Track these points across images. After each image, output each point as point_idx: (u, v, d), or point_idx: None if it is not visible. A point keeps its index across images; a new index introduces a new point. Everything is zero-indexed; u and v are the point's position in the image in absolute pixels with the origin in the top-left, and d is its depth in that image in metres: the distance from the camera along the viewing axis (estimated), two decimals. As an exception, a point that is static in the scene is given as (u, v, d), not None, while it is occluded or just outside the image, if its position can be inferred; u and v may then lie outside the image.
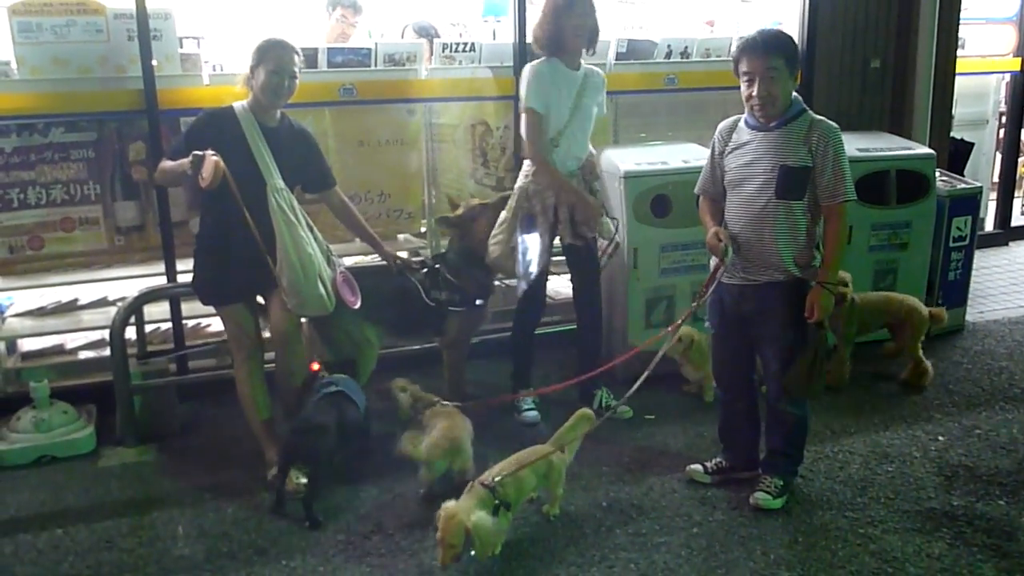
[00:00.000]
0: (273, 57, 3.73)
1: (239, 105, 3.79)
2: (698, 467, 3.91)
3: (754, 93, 3.42)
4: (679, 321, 3.88)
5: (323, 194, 4.17)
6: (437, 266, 4.41)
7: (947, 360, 5.22)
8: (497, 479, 3.27)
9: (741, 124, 3.58)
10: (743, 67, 3.44)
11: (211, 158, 3.53)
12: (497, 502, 3.22)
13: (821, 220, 3.52)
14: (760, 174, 3.48)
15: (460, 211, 4.42)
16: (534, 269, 4.29)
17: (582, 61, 4.27)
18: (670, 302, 4.90)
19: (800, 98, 3.51)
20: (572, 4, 4.08)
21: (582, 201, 4.21)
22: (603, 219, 4.39)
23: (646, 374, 3.65)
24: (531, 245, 4.30)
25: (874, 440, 4.26)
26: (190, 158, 3.58)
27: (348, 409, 3.76)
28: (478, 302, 4.39)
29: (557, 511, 3.59)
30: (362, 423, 3.87)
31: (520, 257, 4.31)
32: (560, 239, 4.31)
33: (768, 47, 3.40)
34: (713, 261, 3.68)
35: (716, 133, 3.69)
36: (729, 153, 3.59)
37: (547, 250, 4.26)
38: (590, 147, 4.42)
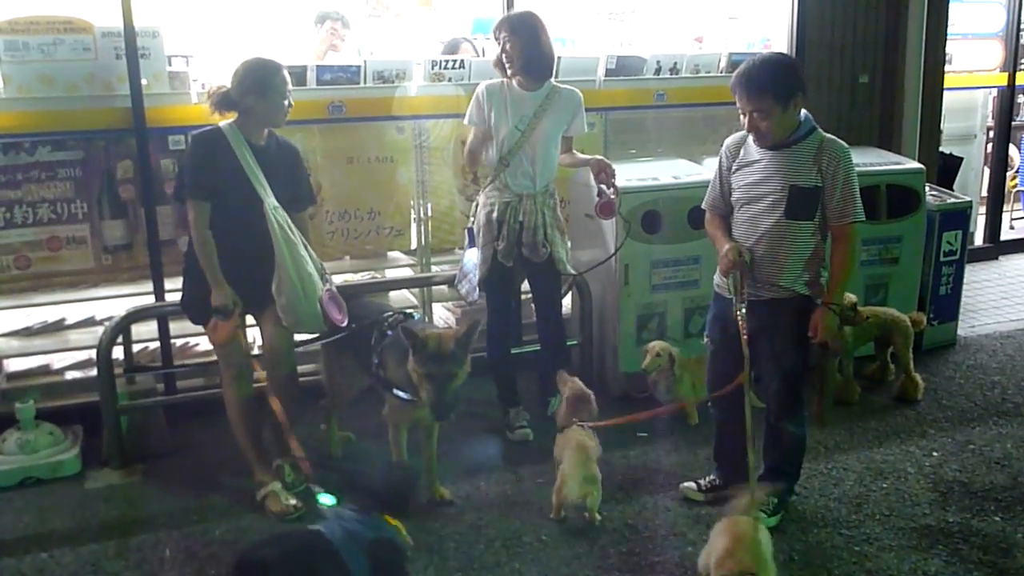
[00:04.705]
0: (282, 80, 3.77)
1: (226, 125, 3.78)
2: (692, 485, 3.87)
3: (746, 127, 3.43)
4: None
5: (292, 216, 3.93)
6: (403, 325, 3.71)
7: (939, 375, 5.21)
8: None
9: (749, 140, 3.53)
10: (736, 100, 3.41)
11: (229, 326, 3.69)
12: None
13: (828, 238, 3.50)
14: (770, 193, 3.45)
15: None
16: (473, 281, 4.31)
17: (552, 81, 4.32)
18: (661, 319, 4.88)
19: (810, 116, 3.46)
20: (495, 32, 4.25)
21: None
22: (557, 248, 4.35)
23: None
24: (472, 257, 4.33)
25: (868, 456, 4.24)
26: (220, 300, 3.67)
27: (317, 555, 2.75)
28: (397, 392, 3.72)
29: None
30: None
31: (461, 269, 4.37)
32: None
33: (753, 87, 3.33)
34: (717, 277, 3.64)
35: (723, 148, 3.65)
36: (737, 170, 3.56)
37: (487, 261, 4.28)
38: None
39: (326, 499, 3.11)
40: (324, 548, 2.73)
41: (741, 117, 3.44)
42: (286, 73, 3.81)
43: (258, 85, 3.72)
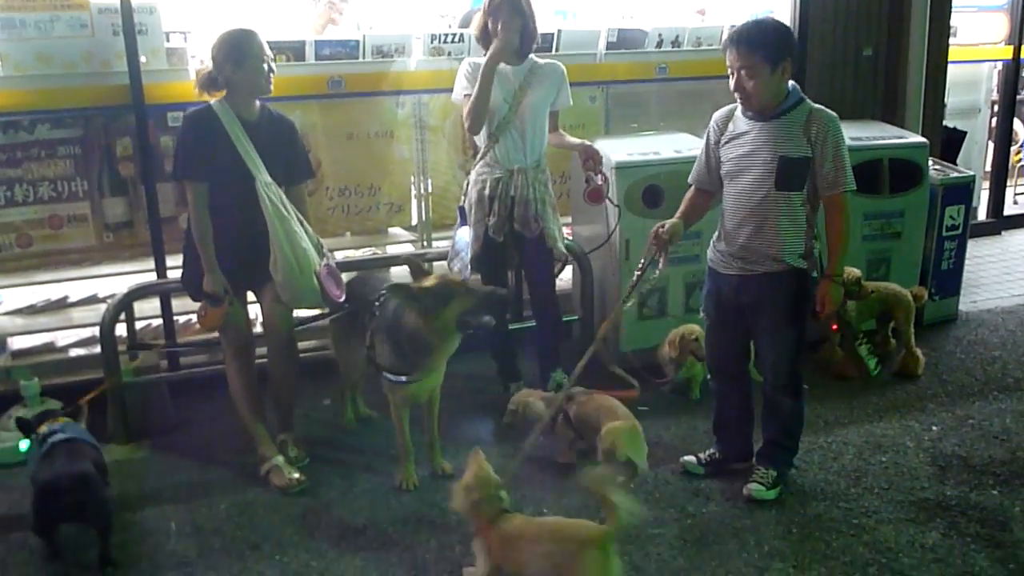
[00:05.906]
0: (259, 46, 3.72)
1: (217, 103, 3.76)
2: (691, 459, 3.89)
3: (732, 86, 3.41)
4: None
5: (288, 188, 3.92)
6: (392, 285, 3.80)
7: (940, 350, 5.21)
8: None
9: (738, 113, 3.53)
10: (727, 59, 3.41)
11: (219, 313, 3.72)
12: None
13: (819, 208, 3.49)
14: (759, 165, 3.44)
15: (430, 283, 3.65)
16: (465, 259, 4.29)
17: (533, 56, 4.28)
18: (663, 294, 4.88)
19: (798, 87, 3.46)
20: (495, 7, 4.13)
21: None
22: (548, 224, 4.31)
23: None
24: (464, 235, 4.31)
25: (868, 430, 4.25)
26: (211, 286, 3.68)
27: (85, 447, 3.46)
28: (387, 375, 3.76)
29: None
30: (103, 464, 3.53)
31: (452, 247, 4.35)
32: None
33: (743, 42, 3.33)
34: (711, 252, 3.67)
35: (711, 122, 3.64)
36: (726, 143, 3.55)
37: (480, 239, 4.27)
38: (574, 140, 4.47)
39: (23, 444, 3.65)
40: (86, 441, 3.48)
41: (729, 78, 3.42)
42: (262, 39, 3.75)
43: (234, 54, 3.69)
